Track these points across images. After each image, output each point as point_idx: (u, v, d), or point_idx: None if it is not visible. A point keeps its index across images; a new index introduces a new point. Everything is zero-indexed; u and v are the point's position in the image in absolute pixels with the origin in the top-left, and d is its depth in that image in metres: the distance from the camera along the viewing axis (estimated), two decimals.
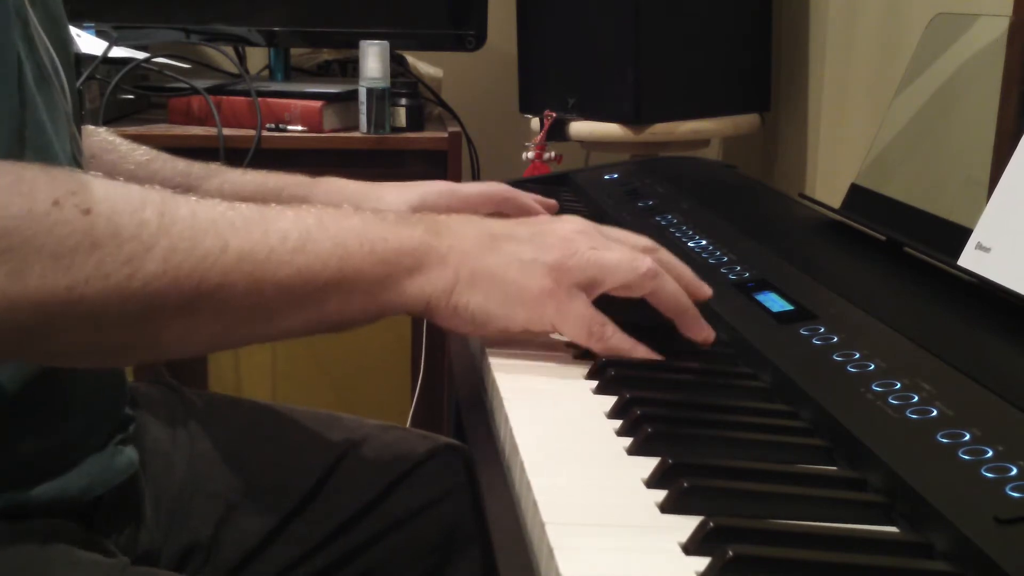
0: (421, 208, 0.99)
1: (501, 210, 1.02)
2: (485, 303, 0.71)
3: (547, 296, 0.72)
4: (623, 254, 0.74)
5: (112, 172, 0.98)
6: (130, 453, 0.85)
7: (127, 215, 0.63)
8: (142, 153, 1.02)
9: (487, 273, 0.71)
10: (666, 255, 0.78)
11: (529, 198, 1.04)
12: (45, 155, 0.74)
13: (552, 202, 1.07)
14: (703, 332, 0.78)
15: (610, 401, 0.68)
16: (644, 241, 0.78)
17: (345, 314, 0.70)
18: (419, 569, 0.98)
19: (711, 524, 0.51)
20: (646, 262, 0.74)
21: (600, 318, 0.73)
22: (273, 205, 0.70)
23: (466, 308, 0.72)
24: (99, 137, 1.02)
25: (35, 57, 0.75)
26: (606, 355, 0.73)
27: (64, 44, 0.83)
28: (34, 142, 0.73)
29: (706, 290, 0.79)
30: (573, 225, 0.76)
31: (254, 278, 0.66)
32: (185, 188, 0.96)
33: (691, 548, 0.51)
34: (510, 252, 0.72)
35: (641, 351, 0.75)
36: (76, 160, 0.80)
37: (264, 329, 0.69)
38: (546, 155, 1.76)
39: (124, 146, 1.02)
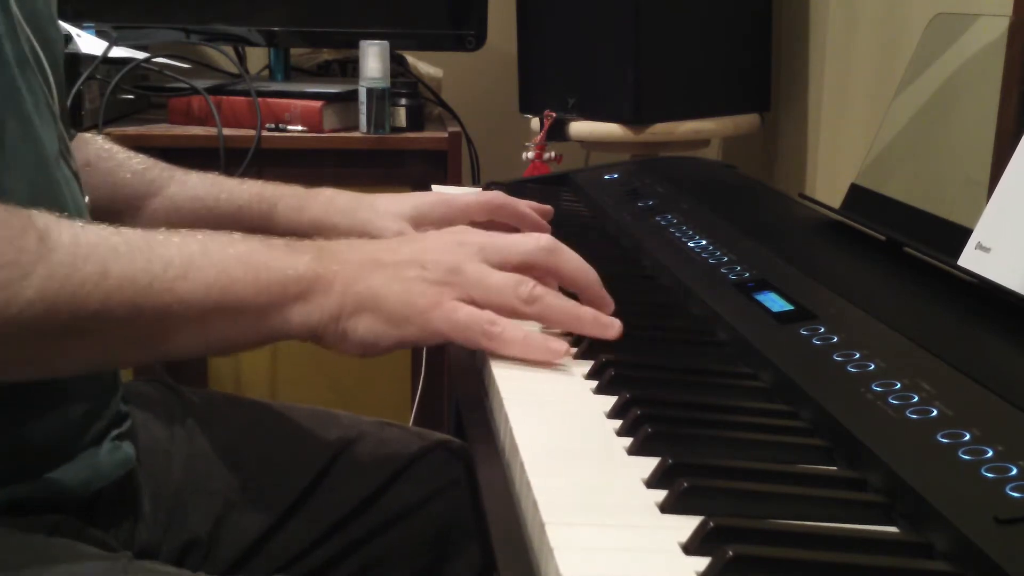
0: (416, 218, 0.99)
1: (496, 218, 1.00)
2: (373, 324, 0.72)
3: (432, 308, 0.72)
4: (507, 280, 0.73)
5: (108, 180, 0.99)
6: (127, 448, 0.85)
7: (7, 242, 0.63)
8: (139, 162, 1.02)
9: (371, 294, 0.72)
10: (567, 255, 0.77)
11: (524, 205, 1.03)
12: (27, 128, 0.74)
13: (547, 208, 1.06)
14: (609, 331, 0.76)
15: (610, 401, 0.68)
16: (540, 240, 0.77)
17: (231, 340, 0.72)
18: (416, 564, 0.98)
19: (711, 524, 0.51)
20: (527, 288, 0.73)
21: (489, 316, 0.72)
22: (161, 230, 0.71)
23: (355, 332, 0.72)
24: (96, 145, 1.02)
25: (16, 44, 0.75)
26: (510, 356, 0.73)
27: (49, 42, 0.82)
28: (15, 113, 0.73)
29: (608, 300, 0.77)
30: (456, 236, 0.76)
31: (135, 304, 0.67)
32: None
33: (691, 548, 0.51)
34: (393, 272, 0.73)
35: (551, 344, 0.73)
36: (63, 156, 0.80)
37: (150, 351, 0.71)
38: (546, 155, 1.76)
39: (121, 154, 1.02)
